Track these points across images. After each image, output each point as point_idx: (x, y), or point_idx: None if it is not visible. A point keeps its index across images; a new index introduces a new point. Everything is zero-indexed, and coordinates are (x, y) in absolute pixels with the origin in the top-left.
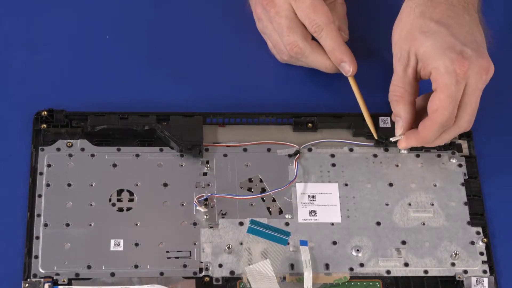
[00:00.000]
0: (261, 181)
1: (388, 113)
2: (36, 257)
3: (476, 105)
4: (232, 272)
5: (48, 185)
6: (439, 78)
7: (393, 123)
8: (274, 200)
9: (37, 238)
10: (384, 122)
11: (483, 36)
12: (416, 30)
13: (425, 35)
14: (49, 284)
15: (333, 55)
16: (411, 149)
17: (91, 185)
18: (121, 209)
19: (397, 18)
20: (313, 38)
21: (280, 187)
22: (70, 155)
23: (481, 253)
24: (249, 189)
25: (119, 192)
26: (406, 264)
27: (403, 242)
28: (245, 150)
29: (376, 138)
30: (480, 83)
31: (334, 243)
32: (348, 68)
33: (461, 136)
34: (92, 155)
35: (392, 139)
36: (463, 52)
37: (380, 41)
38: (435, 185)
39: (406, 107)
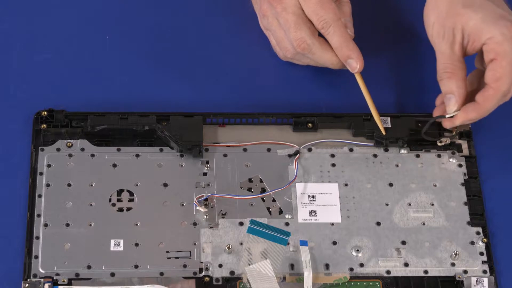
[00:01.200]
0: (261, 181)
1: (388, 113)
2: (36, 257)
3: None
4: (232, 272)
5: (48, 185)
6: (497, 47)
7: (393, 124)
8: (274, 200)
9: (37, 238)
10: (384, 122)
11: None
12: (458, 6)
13: (471, 8)
14: (49, 284)
15: (340, 51)
16: (411, 149)
17: (91, 185)
18: (121, 209)
19: (428, 1)
20: (320, 35)
21: (280, 187)
22: (70, 155)
23: (481, 253)
24: (249, 189)
25: (119, 192)
26: (406, 264)
27: (403, 242)
28: (245, 150)
29: (384, 134)
30: None
31: (334, 243)
32: (355, 64)
33: (461, 136)
34: (92, 155)
35: (447, 116)
36: None
37: (385, 40)
38: (435, 185)
39: (459, 82)
